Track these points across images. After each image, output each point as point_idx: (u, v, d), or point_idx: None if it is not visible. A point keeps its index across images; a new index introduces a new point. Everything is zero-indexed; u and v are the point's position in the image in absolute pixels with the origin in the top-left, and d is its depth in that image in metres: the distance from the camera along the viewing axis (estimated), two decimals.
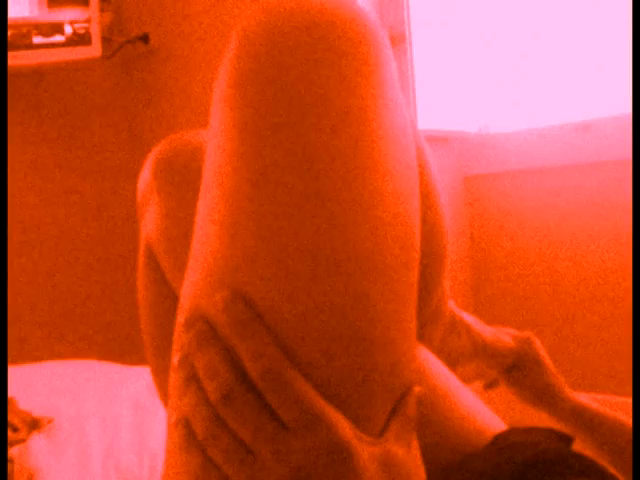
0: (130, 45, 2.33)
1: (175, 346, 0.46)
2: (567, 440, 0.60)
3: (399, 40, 1.96)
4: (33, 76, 2.24)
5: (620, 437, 0.73)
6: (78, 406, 1.17)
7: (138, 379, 1.32)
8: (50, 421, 1.09)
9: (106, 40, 2.21)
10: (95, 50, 2.04)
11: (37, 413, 1.11)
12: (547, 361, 0.80)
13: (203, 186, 0.48)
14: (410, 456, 0.44)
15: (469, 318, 0.77)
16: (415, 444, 0.46)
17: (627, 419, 0.74)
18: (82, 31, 2.04)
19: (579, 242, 1.93)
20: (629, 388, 1.84)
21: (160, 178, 0.66)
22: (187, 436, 0.42)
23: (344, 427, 0.40)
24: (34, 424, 1.06)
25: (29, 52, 2.02)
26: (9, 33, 1.97)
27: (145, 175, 0.69)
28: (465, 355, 0.76)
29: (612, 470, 0.73)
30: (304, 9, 0.45)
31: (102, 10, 2.15)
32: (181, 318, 0.46)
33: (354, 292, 0.42)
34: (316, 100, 0.43)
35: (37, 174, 2.27)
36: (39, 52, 2.03)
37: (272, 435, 0.40)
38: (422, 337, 0.68)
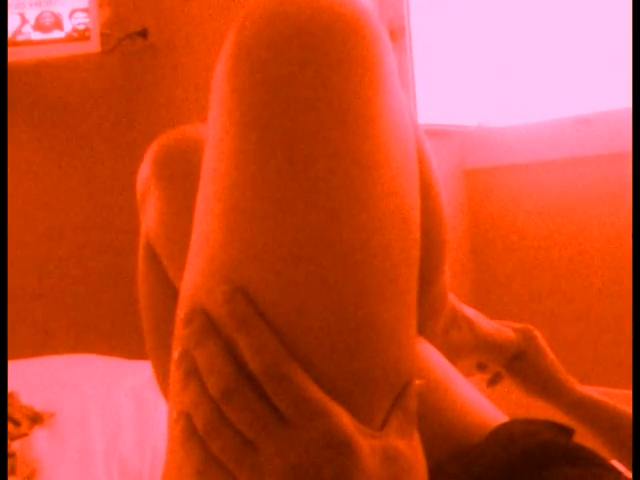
0: (129, 40, 2.33)
1: (175, 340, 0.47)
2: (568, 432, 0.60)
3: (399, 34, 1.96)
4: (32, 72, 2.24)
5: (622, 427, 0.73)
6: (79, 400, 1.17)
7: (139, 373, 1.32)
8: (52, 415, 1.10)
9: (105, 35, 2.20)
10: (94, 45, 2.04)
11: (39, 407, 1.11)
12: (548, 352, 0.80)
13: (202, 180, 0.48)
14: (411, 449, 0.44)
15: (469, 311, 0.77)
16: (416, 437, 0.46)
17: (629, 409, 0.74)
18: (81, 27, 2.04)
19: (578, 235, 1.93)
20: (628, 380, 1.84)
21: (159, 173, 0.66)
22: (188, 430, 0.42)
23: (345, 420, 0.41)
24: (36, 418, 1.07)
25: (28, 48, 2.02)
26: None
27: (144, 170, 0.69)
28: (466, 348, 0.76)
29: (614, 460, 0.74)
30: (303, 3, 0.45)
31: (100, 5, 2.15)
32: (181, 312, 0.46)
33: (354, 286, 0.42)
34: (315, 95, 0.43)
35: (36, 168, 2.27)
36: (38, 48, 2.03)
37: (273, 429, 0.40)
38: (423, 330, 0.68)
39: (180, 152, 0.66)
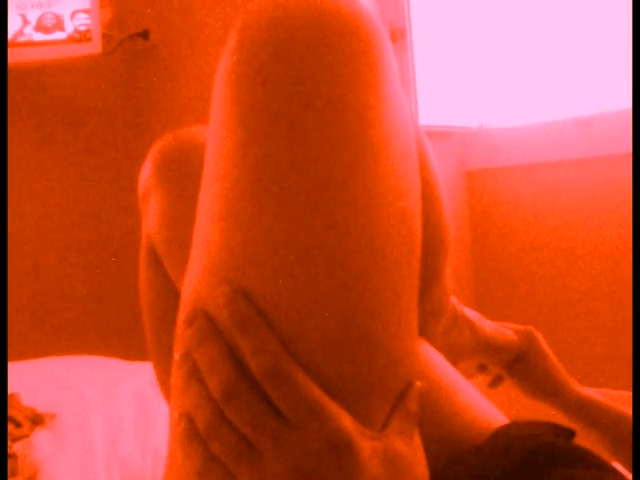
0: (130, 41, 2.33)
1: (177, 342, 0.47)
2: (568, 433, 0.60)
3: (399, 36, 1.96)
4: (33, 73, 2.24)
5: (623, 429, 0.73)
6: (81, 401, 1.17)
7: (140, 374, 1.32)
8: (53, 417, 1.10)
9: (106, 36, 2.21)
10: (95, 47, 2.04)
11: (40, 409, 1.11)
12: (549, 354, 0.80)
13: (204, 182, 0.48)
14: (412, 450, 0.44)
15: (471, 313, 0.77)
16: (417, 438, 0.46)
17: (629, 411, 0.74)
18: (82, 28, 2.04)
19: (579, 236, 1.93)
20: (629, 381, 1.84)
21: (161, 174, 0.67)
22: (189, 431, 0.42)
23: (346, 422, 0.41)
24: (37, 420, 1.07)
25: (30, 49, 2.02)
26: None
27: (146, 171, 0.69)
28: (467, 350, 0.76)
29: (615, 462, 0.74)
30: (305, 4, 0.45)
31: (102, 6, 2.15)
32: (182, 314, 0.46)
33: (354, 287, 0.42)
34: (317, 95, 0.43)
35: (37, 170, 2.27)
36: (39, 49, 2.03)
37: (274, 430, 0.40)
38: (424, 332, 0.68)
39: (181, 154, 0.66)
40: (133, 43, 2.35)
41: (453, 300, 0.74)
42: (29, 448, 0.97)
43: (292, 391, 0.40)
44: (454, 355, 0.74)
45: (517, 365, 0.80)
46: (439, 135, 2.09)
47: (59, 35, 2.04)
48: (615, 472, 0.52)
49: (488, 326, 0.78)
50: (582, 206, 1.92)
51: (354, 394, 0.42)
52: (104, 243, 2.39)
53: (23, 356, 1.61)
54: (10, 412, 1.04)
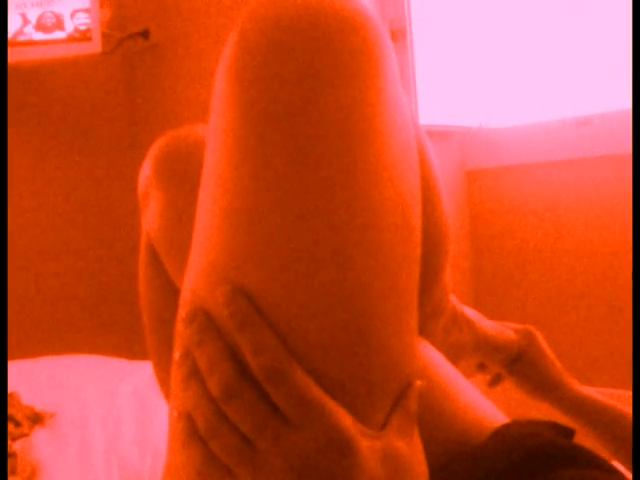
0: (130, 41, 2.33)
1: (176, 341, 0.47)
2: (568, 433, 0.60)
3: (400, 35, 1.96)
4: (33, 72, 2.24)
5: (622, 427, 0.73)
6: (80, 400, 1.17)
7: (140, 373, 1.32)
8: (52, 415, 1.10)
9: (106, 36, 2.21)
10: (95, 46, 2.04)
11: (39, 408, 1.11)
12: (549, 353, 0.80)
13: (204, 181, 0.48)
14: (412, 450, 0.44)
15: (470, 312, 0.77)
16: (417, 438, 0.46)
17: (629, 410, 0.74)
18: (82, 27, 2.04)
19: (579, 236, 1.93)
20: (628, 380, 1.84)
21: (160, 173, 0.67)
22: (189, 430, 0.42)
23: (345, 421, 0.41)
24: (36, 418, 1.07)
25: (29, 48, 2.02)
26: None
27: (146, 170, 0.69)
28: (467, 349, 0.76)
29: (615, 461, 0.74)
30: (305, 3, 0.45)
31: (102, 6, 2.15)
32: (182, 312, 0.46)
33: (355, 286, 0.42)
34: (317, 94, 0.43)
35: (38, 169, 2.27)
36: (39, 48, 2.03)
37: (273, 429, 0.40)
38: (423, 331, 0.68)
39: (181, 153, 0.66)
40: (133, 43, 2.35)
41: (453, 299, 0.74)
42: (28, 447, 0.97)
43: (292, 390, 0.40)
44: (454, 354, 0.74)
45: (517, 364, 0.80)
46: (439, 135, 2.09)
47: (59, 34, 2.04)
48: (617, 473, 0.52)
49: (488, 325, 0.78)
50: (582, 206, 1.92)
51: (354, 393, 0.42)
52: (104, 242, 2.39)
53: (22, 355, 1.62)
54: (10, 411, 1.04)
